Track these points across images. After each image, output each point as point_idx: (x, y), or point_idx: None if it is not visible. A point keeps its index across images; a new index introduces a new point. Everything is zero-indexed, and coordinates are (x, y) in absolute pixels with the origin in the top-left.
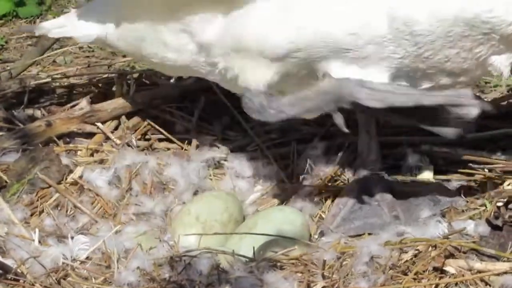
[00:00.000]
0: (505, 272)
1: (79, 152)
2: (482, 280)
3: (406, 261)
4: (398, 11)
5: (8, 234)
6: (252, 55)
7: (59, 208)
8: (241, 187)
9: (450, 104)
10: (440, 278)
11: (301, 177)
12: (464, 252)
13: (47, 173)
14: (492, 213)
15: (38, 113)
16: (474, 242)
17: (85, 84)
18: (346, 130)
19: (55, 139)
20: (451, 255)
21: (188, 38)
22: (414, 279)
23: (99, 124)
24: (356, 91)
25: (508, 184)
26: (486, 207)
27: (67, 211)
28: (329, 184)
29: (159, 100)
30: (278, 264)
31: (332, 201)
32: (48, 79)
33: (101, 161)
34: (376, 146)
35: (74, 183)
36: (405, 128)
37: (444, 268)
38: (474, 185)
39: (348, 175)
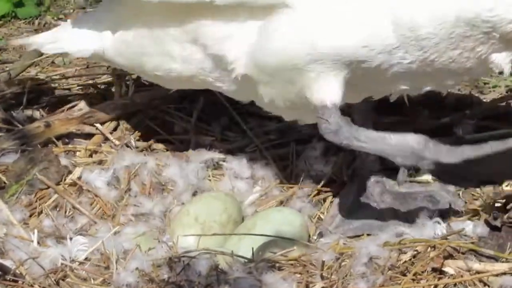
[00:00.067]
0: (504, 273)
1: (78, 153)
2: (480, 280)
3: (405, 261)
4: (402, 18)
5: (7, 235)
6: (326, 63)
7: (58, 209)
8: (240, 187)
9: None
10: (439, 278)
11: (300, 178)
12: (463, 253)
13: (46, 174)
14: (491, 214)
15: (37, 114)
16: (472, 243)
17: (84, 85)
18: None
19: (54, 140)
20: (450, 256)
21: (195, 48)
22: (413, 279)
23: (98, 125)
24: (437, 152)
25: (507, 185)
26: (485, 208)
27: (66, 212)
28: (328, 185)
29: (158, 101)
30: (277, 265)
31: (331, 202)
32: (47, 80)
33: (100, 162)
34: None
35: (73, 184)
36: (402, 129)
37: (443, 268)
38: (472, 186)
39: (347, 176)
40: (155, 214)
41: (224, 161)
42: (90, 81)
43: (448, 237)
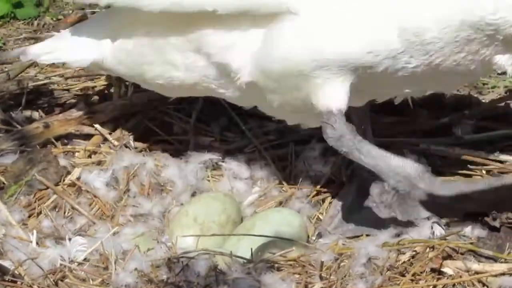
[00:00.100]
0: (503, 273)
1: (77, 154)
2: (479, 281)
3: (404, 262)
4: (407, 23)
5: (6, 235)
6: (331, 69)
7: (56, 210)
8: (239, 188)
9: None
10: (438, 279)
11: (299, 179)
12: (462, 254)
13: (45, 175)
14: (490, 215)
15: (36, 114)
16: (471, 243)
17: (83, 86)
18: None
19: (53, 140)
20: (448, 256)
21: (198, 56)
22: (412, 280)
23: (97, 126)
24: (431, 183)
25: None
26: None
27: (64, 212)
28: (327, 185)
29: (157, 101)
30: (276, 265)
31: (330, 202)
32: (46, 81)
33: (99, 163)
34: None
35: (72, 184)
36: (401, 129)
37: (441, 269)
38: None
39: (346, 177)
40: (154, 215)
41: (223, 161)
42: (89, 82)
43: (447, 238)
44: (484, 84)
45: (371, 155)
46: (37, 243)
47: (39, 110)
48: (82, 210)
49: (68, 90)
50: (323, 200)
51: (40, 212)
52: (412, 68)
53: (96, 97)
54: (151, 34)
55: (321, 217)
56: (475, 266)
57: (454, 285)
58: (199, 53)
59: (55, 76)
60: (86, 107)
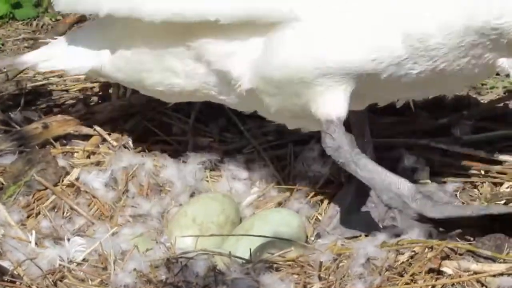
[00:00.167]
0: (501, 274)
1: (75, 154)
2: (478, 281)
3: (403, 262)
4: (411, 29)
5: (5, 236)
6: (334, 77)
7: (55, 210)
8: (238, 189)
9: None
10: (436, 279)
11: (297, 179)
12: (461, 254)
13: (44, 175)
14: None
15: (34, 115)
16: (470, 243)
17: (81, 87)
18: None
19: (52, 141)
20: (447, 257)
21: (199, 64)
22: (411, 280)
23: (95, 126)
24: (422, 205)
25: (507, 187)
26: None
27: (63, 213)
28: (326, 186)
29: (155, 102)
30: (275, 265)
31: (329, 203)
32: (45, 81)
33: (98, 163)
34: (371, 147)
35: (71, 185)
36: (401, 129)
37: (440, 269)
38: (470, 187)
39: (345, 177)
40: (152, 215)
41: (221, 162)
42: (88, 83)
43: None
44: (483, 84)
45: (367, 169)
46: (36, 244)
47: (38, 111)
48: (81, 210)
49: (67, 90)
50: (322, 201)
51: (39, 213)
52: (415, 74)
53: (95, 98)
54: (151, 41)
55: (320, 217)
56: (474, 266)
57: (452, 285)
58: (199, 60)
59: (53, 77)
60: (85, 107)
